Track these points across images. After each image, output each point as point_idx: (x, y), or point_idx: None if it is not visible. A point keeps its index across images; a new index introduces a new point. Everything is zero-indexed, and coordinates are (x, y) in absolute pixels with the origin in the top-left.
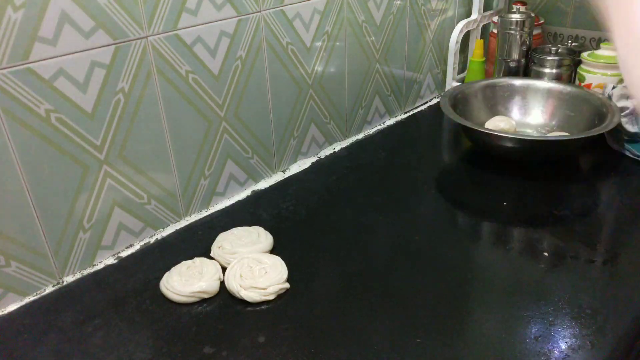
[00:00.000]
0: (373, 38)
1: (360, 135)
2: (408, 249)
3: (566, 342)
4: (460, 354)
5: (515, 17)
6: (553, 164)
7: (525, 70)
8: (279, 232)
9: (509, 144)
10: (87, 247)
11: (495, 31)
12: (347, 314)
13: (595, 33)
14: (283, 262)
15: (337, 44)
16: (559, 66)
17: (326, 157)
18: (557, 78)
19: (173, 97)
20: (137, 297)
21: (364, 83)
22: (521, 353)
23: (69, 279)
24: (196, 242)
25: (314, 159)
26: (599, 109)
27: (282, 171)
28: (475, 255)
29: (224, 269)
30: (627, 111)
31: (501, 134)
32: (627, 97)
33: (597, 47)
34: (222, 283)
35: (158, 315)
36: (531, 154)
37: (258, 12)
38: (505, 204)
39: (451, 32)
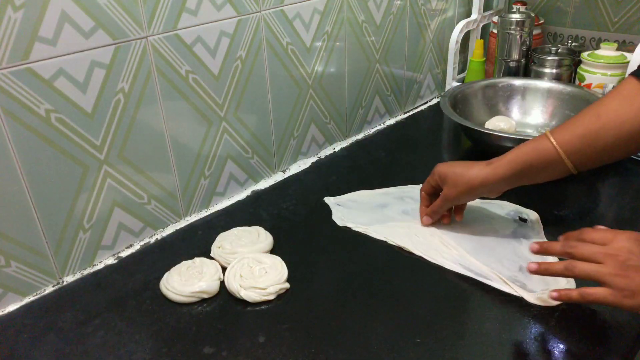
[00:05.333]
0: (373, 38)
1: (360, 135)
2: None
3: (566, 342)
4: (460, 354)
5: (515, 17)
6: None
7: (525, 70)
8: (279, 232)
9: (509, 144)
10: (87, 247)
11: (495, 31)
12: (347, 314)
13: (595, 33)
14: (283, 262)
15: (337, 44)
16: (559, 66)
17: (326, 157)
18: (557, 78)
19: (173, 97)
20: (137, 297)
21: (364, 83)
22: (521, 353)
23: (69, 279)
24: (196, 242)
25: (314, 159)
26: None
27: (282, 171)
28: None
29: (224, 269)
30: None
31: (501, 134)
32: None
33: (597, 47)
34: (222, 283)
35: (158, 315)
36: None
37: (258, 12)
38: None
39: (451, 32)
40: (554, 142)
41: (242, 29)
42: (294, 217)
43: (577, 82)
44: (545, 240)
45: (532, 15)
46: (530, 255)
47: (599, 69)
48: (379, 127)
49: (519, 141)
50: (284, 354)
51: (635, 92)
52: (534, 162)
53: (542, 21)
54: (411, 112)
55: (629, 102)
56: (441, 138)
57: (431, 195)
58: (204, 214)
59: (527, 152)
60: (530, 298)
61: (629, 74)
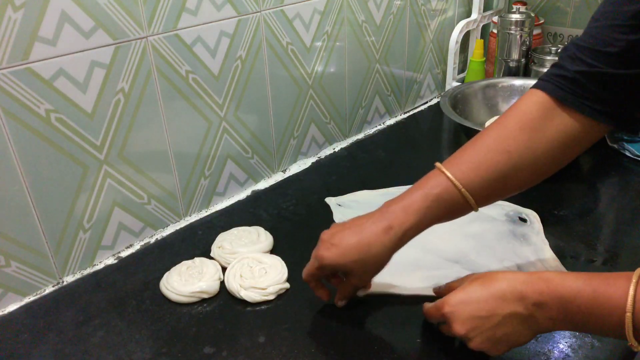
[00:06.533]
0: (373, 38)
1: (360, 135)
2: None
3: (566, 342)
4: (461, 354)
5: (515, 17)
6: None
7: (525, 70)
8: (279, 232)
9: None
10: (87, 247)
11: (495, 31)
12: (347, 314)
13: None
14: (283, 262)
15: (337, 44)
16: None
17: (326, 157)
18: None
19: (173, 97)
20: (137, 297)
21: (364, 83)
22: (521, 353)
23: (69, 279)
24: (196, 242)
25: (314, 159)
26: None
27: (282, 171)
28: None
29: (224, 269)
30: None
31: None
32: None
33: None
34: (222, 283)
35: (158, 315)
36: None
37: (258, 12)
38: None
39: (451, 32)
40: (463, 190)
41: (242, 29)
42: (294, 217)
43: None
44: (545, 240)
45: (532, 15)
46: (530, 255)
47: None
48: (379, 127)
49: None
50: (284, 354)
51: (543, 117)
52: (442, 216)
53: (542, 21)
54: (411, 112)
55: (539, 134)
56: (441, 138)
57: (319, 279)
58: (204, 214)
59: (431, 207)
60: None
61: (533, 87)
